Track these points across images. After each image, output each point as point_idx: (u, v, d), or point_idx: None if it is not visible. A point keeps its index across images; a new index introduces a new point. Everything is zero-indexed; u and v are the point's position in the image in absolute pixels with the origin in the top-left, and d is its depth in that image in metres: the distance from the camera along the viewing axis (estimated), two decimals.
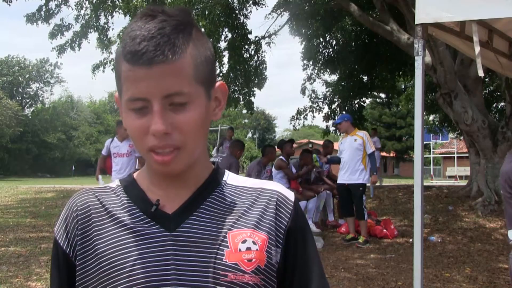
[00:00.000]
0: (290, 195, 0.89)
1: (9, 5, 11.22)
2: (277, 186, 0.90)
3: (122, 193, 0.87)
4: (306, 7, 13.01)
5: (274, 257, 0.83)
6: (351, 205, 6.99)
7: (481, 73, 2.77)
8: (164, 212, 0.83)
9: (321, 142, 10.31)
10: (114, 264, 0.79)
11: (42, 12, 12.10)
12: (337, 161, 7.27)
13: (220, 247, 0.80)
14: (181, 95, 0.77)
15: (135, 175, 0.90)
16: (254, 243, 0.81)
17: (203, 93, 0.80)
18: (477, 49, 2.68)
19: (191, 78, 0.78)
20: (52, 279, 0.87)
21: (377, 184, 6.98)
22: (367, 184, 7.03)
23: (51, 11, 12.15)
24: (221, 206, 0.85)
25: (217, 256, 0.79)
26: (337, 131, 15.60)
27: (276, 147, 8.21)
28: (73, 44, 12.49)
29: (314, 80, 15.57)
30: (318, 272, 0.88)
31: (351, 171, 6.79)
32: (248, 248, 0.80)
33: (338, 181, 7.09)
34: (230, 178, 0.91)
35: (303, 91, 15.54)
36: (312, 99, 15.62)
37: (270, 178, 7.54)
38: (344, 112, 14.88)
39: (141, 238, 0.80)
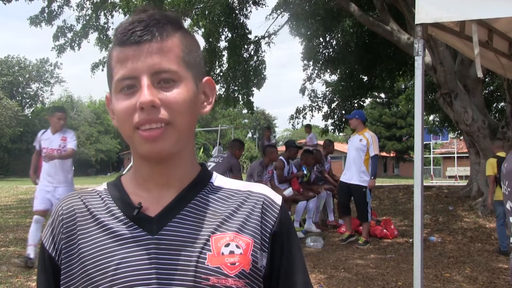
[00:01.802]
0: (277, 198, 0.88)
1: (5, 4, 11.16)
2: (264, 189, 0.89)
3: (107, 196, 0.87)
4: (306, 7, 13.02)
5: (260, 261, 0.82)
6: (349, 204, 6.92)
7: (480, 74, 2.77)
8: (147, 215, 0.82)
9: (321, 142, 10.28)
10: (97, 267, 0.78)
11: (45, 14, 12.11)
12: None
13: (203, 251, 0.79)
14: (169, 73, 0.78)
15: (122, 178, 0.90)
16: (237, 247, 0.80)
17: (191, 77, 0.81)
18: (476, 50, 2.68)
19: (179, 58, 0.79)
20: (38, 282, 0.88)
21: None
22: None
23: (54, 12, 12.16)
24: (205, 209, 0.84)
25: (199, 259, 0.78)
26: (336, 129, 15.64)
27: (284, 145, 8.24)
28: (73, 44, 12.50)
29: (314, 80, 15.59)
30: (303, 279, 0.87)
31: (354, 171, 6.69)
32: (231, 252, 0.79)
33: (341, 179, 7.00)
34: (218, 180, 0.90)
35: (302, 91, 15.55)
36: (311, 98, 15.64)
37: (272, 178, 7.53)
38: (344, 112, 14.90)
39: (124, 242, 0.80)
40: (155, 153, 0.79)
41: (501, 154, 6.59)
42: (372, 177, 6.71)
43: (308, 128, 12.86)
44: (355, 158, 6.69)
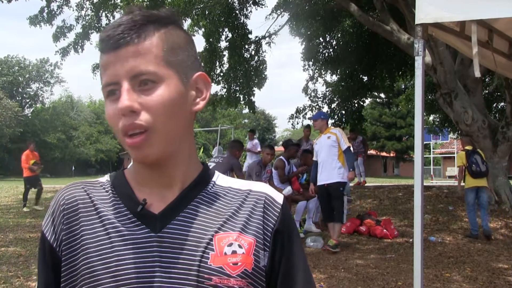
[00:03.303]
0: (278, 197, 0.88)
1: (2, 2, 11.13)
2: (265, 188, 0.88)
3: (111, 189, 0.86)
4: (306, 7, 13.02)
5: (262, 260, 0.82)
6: (332, 210, 6.55)
7: (477, 74, 2.78)
8: (151, 212, 0.81)
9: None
10: (99, 262, 0.78)
11: (45, 14, 12.10)
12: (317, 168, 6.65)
13: (206, 250, 0.78)
14: (148, 74, 0.77)
15: (125, 171, 0.89)
16: (240, 246, 0.80)
17: (175, 76, 0.80)
18: (475, 50, 2.68)
19: (159, 59, 0.78)
20: (39, 272, 0.87)
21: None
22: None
23: (53, 12, 12.14)
24: (208, 208, 0.83)
25: (202, 259, 0.78)
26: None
27: (282, 145, 8.22)
28: (76, 46, 12.49)
29: (317, 80, 15.57)
30: (304, 277, 0.86)
31: (328, 169, 6.35)
32: (234, 252, 0.79)
33: (318, 183, 6.52)
34: (220, 179, 0.89)
35: (305, 91, 15.53)
36: (311, 98, 15.64)
37: (270, 178, 7.54)
38: (344, 112, 14.88)
39: (127, 238, 0.79)
40: (142, 158, 0.79)
41: (469, 147, 7.62)
42: (351, 169, 6.46)
43: (252, 133, 12.60)
44: (328, 157, 6.37)
